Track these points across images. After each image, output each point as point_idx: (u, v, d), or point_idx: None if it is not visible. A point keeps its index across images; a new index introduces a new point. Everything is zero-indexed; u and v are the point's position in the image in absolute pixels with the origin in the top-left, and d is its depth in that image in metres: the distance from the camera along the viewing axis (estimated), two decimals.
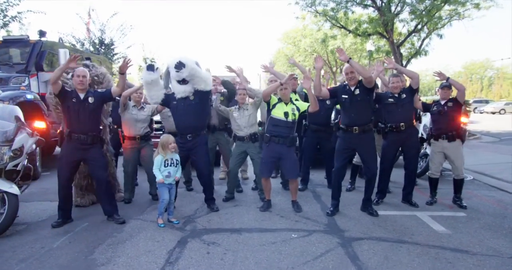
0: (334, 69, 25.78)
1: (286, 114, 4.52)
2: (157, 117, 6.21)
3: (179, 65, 4.40)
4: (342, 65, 28.16)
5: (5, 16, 10.76)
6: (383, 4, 14.33)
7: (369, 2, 14.46)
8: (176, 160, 4.27)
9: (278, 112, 4.56)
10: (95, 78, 4.78)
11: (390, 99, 4.87)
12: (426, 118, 6.87)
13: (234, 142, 5.27)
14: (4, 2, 10.57)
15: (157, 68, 4.50)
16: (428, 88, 46.55)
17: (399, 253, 3.46)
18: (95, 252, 3.44)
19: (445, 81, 5.03)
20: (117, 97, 4.66)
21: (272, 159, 4.70)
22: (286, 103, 4.59)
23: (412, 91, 4.88)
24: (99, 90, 4.39)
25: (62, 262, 3.24)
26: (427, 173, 6.44)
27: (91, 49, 14.75)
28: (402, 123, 4.83)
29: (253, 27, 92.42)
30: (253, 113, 5.07)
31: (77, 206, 4.78)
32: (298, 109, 4.62)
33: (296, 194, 4.87)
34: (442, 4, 13.73)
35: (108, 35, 15.45)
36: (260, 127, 5.31)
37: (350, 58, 4.24)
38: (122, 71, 4.14)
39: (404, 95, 4.89)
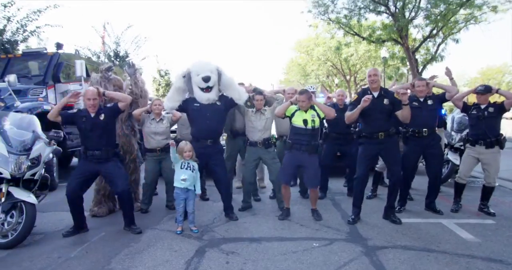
0: (348, 77, 25.69)
1: (305, 122, 4.43)
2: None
3: (207, 79, 4.37)
4: (356, 73, 28.06)
5: (24, 31, 11.05)
6: (397, 10, 14.16)
7: (383, 9, 14.33)
8: (193, 166, 4.20)
9: (297, 120, 4.49)
10: (139, 93, 4.91)
11: (414, 103, 4.69)
12: (448, 125, 6.66)
13: (245, 147, 5.18)
14: (24, 18, 10.87)
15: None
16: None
17: (427, 262, 3.29)
18: (112, 262, 3.37)
19: (480, 86, 4.81)
20: None
21: (293, 166, 4.60)
22: (306, 111, 4.50)
23: (443, 101, 4.81)
24: (108, 105, 4.37)
25: None
26: (450, 179, 6.25)
27: (106, 61, 14.99)
28: (425, 129, 4.66)
29: (265, 36, 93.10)
30: (270, 118, 4.98)
31: (94, 216, 4.74)
32: (318, 115, 4.52)
33: (315, 202, 4.74)
34: (458, 8, 13.49)
35: (123, 47, 15.71)
36: (274, 135, 5.21)
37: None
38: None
39: (430, 102, 4.73)
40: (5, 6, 10.54)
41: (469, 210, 4.97)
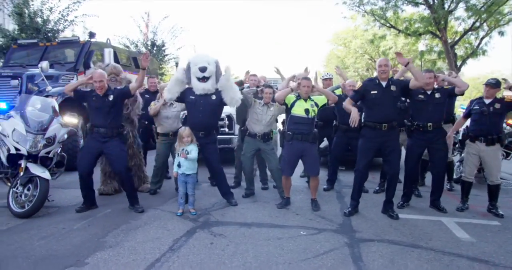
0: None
1: (307, 111, 4.49)
2: None
3: (203, 69, 4.49)
4: (395, 66, 27.09)
5: (65, 20, 11.81)
6: (435, 1, 13.44)
7: (420, 0, 13.66)
8: (187, 150, 4.37)
9: (298, 109, 4.53)
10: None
11: (420, 96, 4.60)
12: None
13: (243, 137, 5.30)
14: (66, 8, 11.64)
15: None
16: None
17: (407, 258, 3.27)
18: (108, 236, 3.66)
19: (492, 78, 4.64)
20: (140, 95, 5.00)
21: (295, 157, 4.66)
22: (305, 100, 4.55)
23: (452, 95, 4.64)
24: (118, 87, 4.60)
25: (76, 242, 3.48)
26: (461, 176, 6.02)
27: (144, 50, 15.58)
28: (430, 124, 4.54)
29: (305, 29, 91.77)
30: (275, 114, 5.07)
31: (101, 194, 5.09)
32: (316, 104, 4.56)
33: (315, 192, 4.79)
34: None
35: (160, 37, 16.25)
36: (274, 130, 5.29)
37: (409, 62, 4.23)
38: (143, 67, 4.33)
39: (438, 95, 4.58)
40: None
41: (477, 210, 4.81)
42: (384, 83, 4.32)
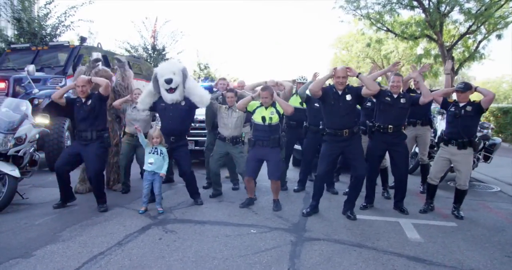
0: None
1: (263, 118, 4.62)
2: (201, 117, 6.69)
3: (169, 81, 4.69)
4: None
5: (63, 26, 12.19)
6: (431, 4, 13.37)
7: (416, 4, 13.59)
8: (161, 150, 4.54)
9: (257, 117, 4.69)
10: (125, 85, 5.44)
11: (387, 98, 4.67)
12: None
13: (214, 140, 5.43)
14: (63, 13, 12.02)
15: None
16: (504, 97, 42.03)
17: (346, 256, 3.35)
18: (65, 230, 3.82)
19: (460, 84, 4.67)
20: None
21: (256, 160, 4.79)
22: (266, 108, 4.67)
23: (415, 104, 4.66)
24: (96, 92, 4.78)
25: (32, 236, 3.65)
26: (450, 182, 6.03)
27: (144, 54, 15.91)
28: (391, 126, 4.61)
29: (305, 29, 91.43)
30: (240, 116, 5.17)
31: (76, 192, 5.25)
32: (278, 112, 4.67)
33: (277, 193, 4.86)
34: (502, 2, 12.43)
35: (160, 41, 16.55)
36: (243, 134, 5.39)
37: (359, 73, 4.38)
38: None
39: (403, 100, 4.65)
40: (45, 5, 11.83)
41: (441, 212, 4.83)
42: (340, 93, 4.40)
